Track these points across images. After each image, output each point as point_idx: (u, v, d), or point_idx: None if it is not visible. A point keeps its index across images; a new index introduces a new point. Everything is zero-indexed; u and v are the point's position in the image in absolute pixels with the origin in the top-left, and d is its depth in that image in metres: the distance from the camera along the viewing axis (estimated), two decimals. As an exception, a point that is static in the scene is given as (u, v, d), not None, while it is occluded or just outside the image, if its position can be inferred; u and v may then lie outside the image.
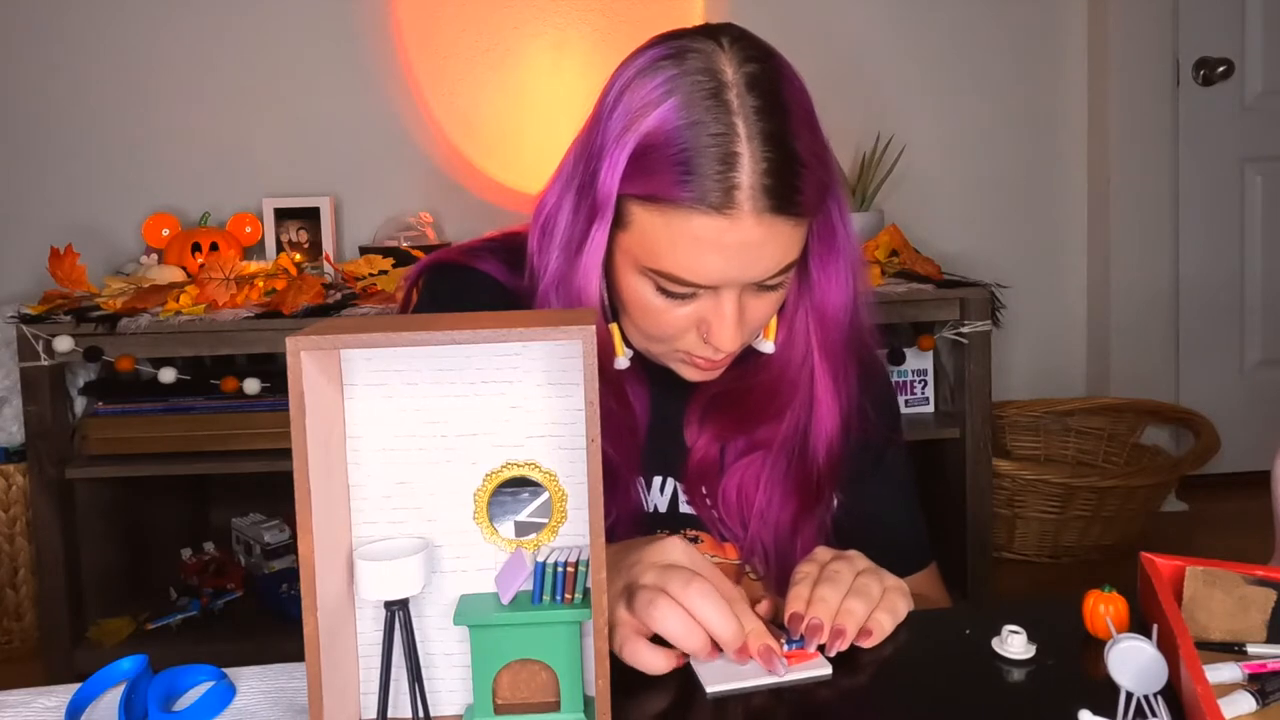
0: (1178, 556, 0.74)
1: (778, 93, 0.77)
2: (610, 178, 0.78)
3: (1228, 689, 0.63)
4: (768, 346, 0.89)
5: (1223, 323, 2.95)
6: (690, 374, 0.86)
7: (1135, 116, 2.79)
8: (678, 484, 0.92)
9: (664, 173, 0.75)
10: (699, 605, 0.68)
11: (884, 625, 0.74)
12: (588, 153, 0.81)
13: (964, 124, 2.79)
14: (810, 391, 0.90)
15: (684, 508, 0.91)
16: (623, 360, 0.87)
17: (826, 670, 0.70)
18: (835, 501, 0.95)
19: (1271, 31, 2.87)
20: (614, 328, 0.87)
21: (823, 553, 0.79)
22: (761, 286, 0.80)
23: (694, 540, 0.90)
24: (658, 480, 0.92)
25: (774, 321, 0.89)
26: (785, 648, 0.71)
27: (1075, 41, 2.84)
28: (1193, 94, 2.85)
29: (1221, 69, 2.83)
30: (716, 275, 0.78)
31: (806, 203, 0.77)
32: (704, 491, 0.91)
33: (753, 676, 0.69)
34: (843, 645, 0.71)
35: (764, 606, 0.76)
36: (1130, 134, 2.80)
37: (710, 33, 0.79)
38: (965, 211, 2.80)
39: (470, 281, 0.92)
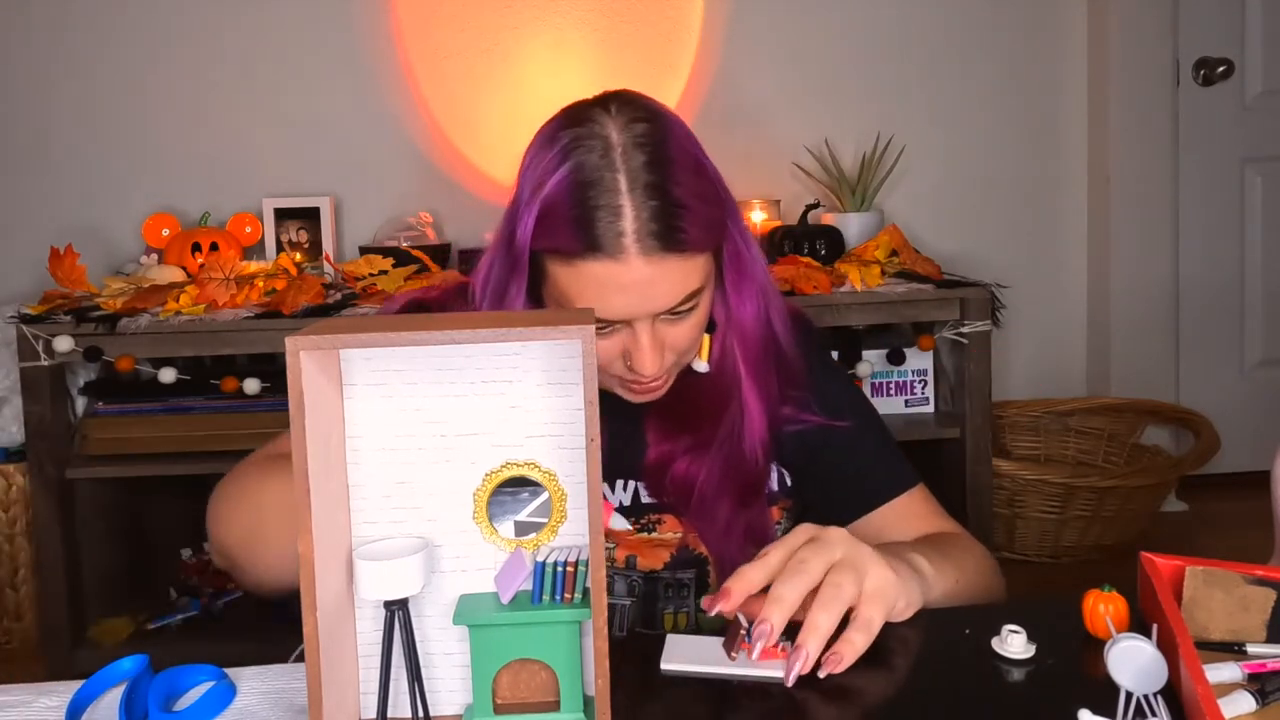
0: (1178, 556, 0.74)
1: (661, 147, 0.87)
2: (523, 237, 0.88)
3: (1228, 689, 0.63)
4: (702, 366, 1.00)
5: (1223, 323, 2.95)
6: (632, 398, 0.95)
7: (1135, 116, 2.79)
8: (638, 483, 1.01)
9: (563, 229, 0.86)
10: None
11: (855, 646, 0.69)
12: (509, 214, 0.93)
13: (964, 124, 2.79)
14: (740, 399, 0.99)
15: (645, 499, 1.01)
16: None
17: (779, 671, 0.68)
18: (788, 482, 1.05)
19: (1271, 31, 2.87)
20: None
21: (801, 531, 0.76)
22: (673, 314, 0.89)
23: (658, 521, 1.00)
24: (620, 483, 1.02)
25: (706, 341, 0.99)
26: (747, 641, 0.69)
27: (1075, 41, 2.84)
28: (1193, 94, 2.85)
29: (1221, 69, 2.83)
30: (622, 311, 0.87)
31: (691, 240, 0.86)
32: (664, 485, 1.00)
33: (712, 663, 0.69)
34: (803, 668, 0.67)
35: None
36: (1130, 134, 2.79)
37: (603, 101, 0.90)
38: (965, 211, 2.80)
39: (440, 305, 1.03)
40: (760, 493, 1.01)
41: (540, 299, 0.93)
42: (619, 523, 1.00)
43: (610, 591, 1.00)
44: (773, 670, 0.68)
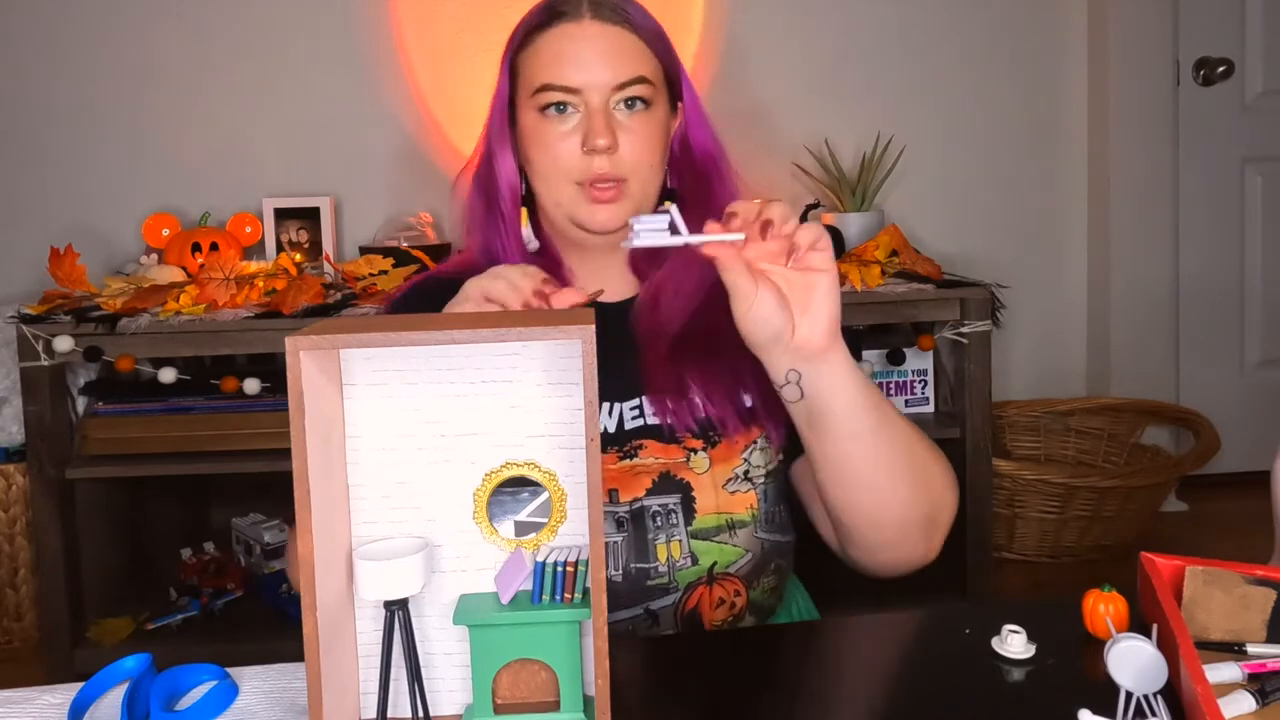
0: (1178, 556, 0.74)
1: None
2: (505, 53, 1.05)
3: (1227, 689, 0.63)
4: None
5: (1223, 323, 2.95)
6: (596, 214, 1.01)
7: (1135, 116, 2.79)
8: (622, 406, 1.03)
9: (534, 13, 1.03)
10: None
11: (807, 237, 0.81)
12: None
13: (964, 124, 2.79)
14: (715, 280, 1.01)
15: (630, 424, 1.02)
16: (527, 232, 1.07)
17: (739, 237, 0.79)
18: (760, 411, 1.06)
19: (1271, 31, 2.87)
20: (523, 211, 1.07)
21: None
22: (628, 104, 1.00)
23: (640, 447, 1.01)
24: (605, 407, 1.04)
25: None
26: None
27: (1075, 41, 2.84)
28: (1193, 94, 2.85)
29: (1221, 69, 2.83)
30: (580, 74, 0.99)
31: (636, 21, 1.02)
32: (667, 401, 1.02)
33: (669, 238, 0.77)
34: (769, 239, 0.80)
35: None
36: (1130, 134, 2.79)
37: None
38: (965, 211, 2.80)
39: (428, 287, 1.09)
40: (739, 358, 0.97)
41: (523, 174, 1.06)
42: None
43: None
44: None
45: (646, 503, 0.99)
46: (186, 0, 2.56)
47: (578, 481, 0.62)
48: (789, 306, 0.82)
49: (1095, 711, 0.61)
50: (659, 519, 1.00)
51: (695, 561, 0.98)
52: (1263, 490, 0.92)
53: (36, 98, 2.55)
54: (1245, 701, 0.62)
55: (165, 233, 2.41)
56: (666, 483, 1.00)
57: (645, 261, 1.07)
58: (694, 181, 1.09)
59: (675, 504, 1.00)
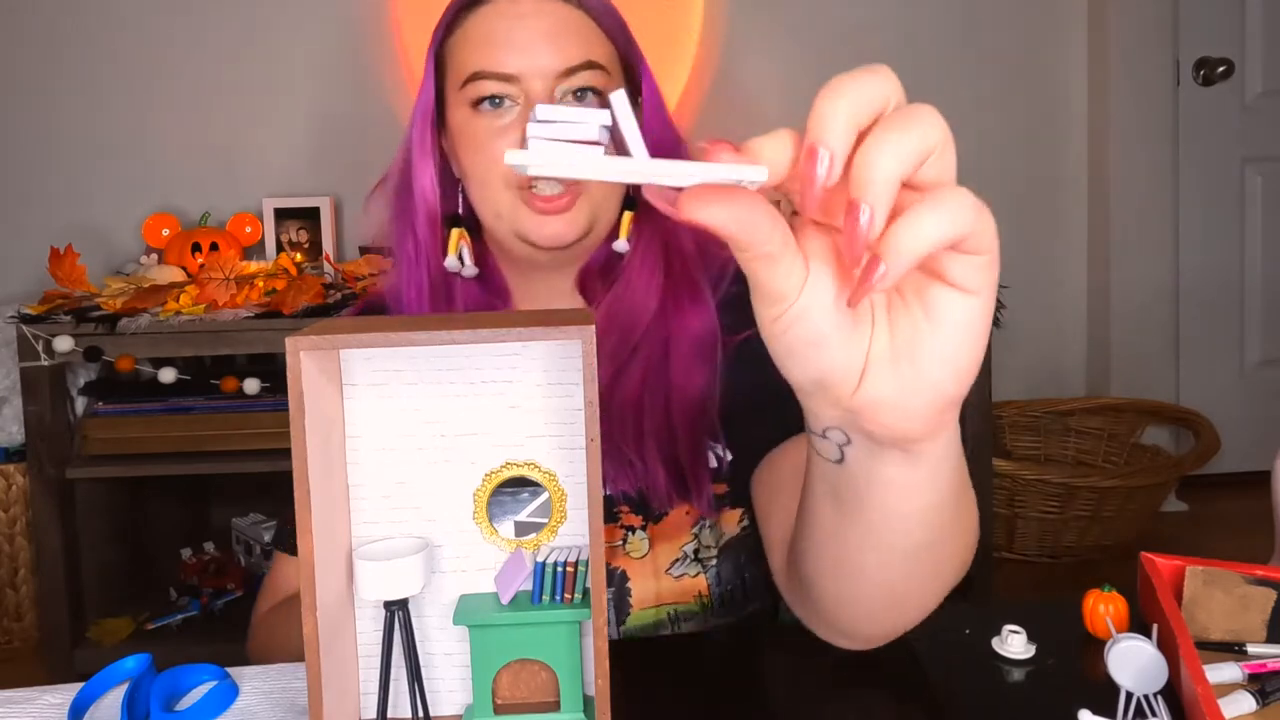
0: (1178, 556, 0.74)
1: None
2: (431, 43, 0.90)
3: (1228, 689, 0.63)
4: (621, 245, 0.89)
5: (1223, 323, 2.95)
6: (544, 227, 0.85)
7: (1135, 116, 2.79)
8: None
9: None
10: None
11: (925, 231, 0.38)
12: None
13: (963, 124, 2.77)
14: (674, 296, 0.88)
15: None
16: (453, 260, 0.89)
17: (762, 176, 0.38)
18: (727, 459, 0.86)
19: (1271, 31, 2.87)
20: (456, 232, 0.90)
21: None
22: (576, 95, 0.84)
23: None
24: None
25: (627, 220, 0.90)
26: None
27: (1075, 41, 2.84)
28: (1193, 94, 2.85)
29: (1221, 69, 2.83)
30: (514, 57, 0.83)
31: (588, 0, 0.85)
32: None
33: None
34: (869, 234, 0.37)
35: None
36: (1130, 134, 2.80)
37: None
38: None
39: (371, 310, 0.98)
40: (699, 413, 0.85)
41: (449, 176, 0.90)
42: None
43: None
44: (745, 173, 0.38)
45: None
46: (187, 1, 2.56)
47: (578, 482, 0.62)
48: (864, 331, 0.43)
49: (1095, 712, 0.61)
50: None
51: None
52: (1263, 490, 0.92)
53: (37, 98, 2.55)
54: (1245, 702, 0.62)
55: (165, 233, 2.41)
56: None
57: (598, 279, 0.90)
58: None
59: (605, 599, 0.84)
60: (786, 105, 2.69)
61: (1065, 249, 2.90)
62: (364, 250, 2.39)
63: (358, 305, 1.05)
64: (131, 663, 0.70)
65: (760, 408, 0.80)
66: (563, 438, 0.62)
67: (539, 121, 0.38)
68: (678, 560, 0.85)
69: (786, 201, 0.41)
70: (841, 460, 0.49)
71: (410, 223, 0.89)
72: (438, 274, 0.89)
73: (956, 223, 0.40)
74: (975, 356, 0.45)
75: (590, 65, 0.84)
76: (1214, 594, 0.71)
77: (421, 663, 0.60)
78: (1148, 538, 2.48)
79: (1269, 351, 2.97)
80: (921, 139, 0.39)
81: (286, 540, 0.92)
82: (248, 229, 2.43)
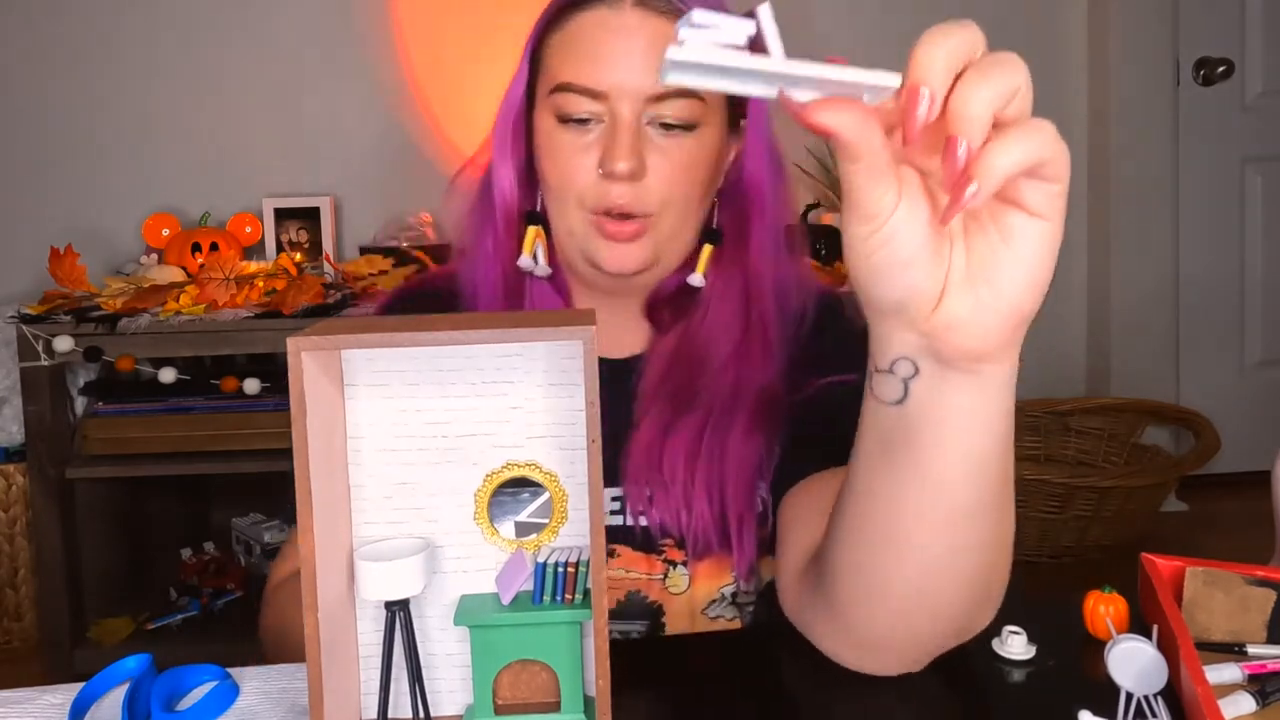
0: (1178, 557, 0.74)
1: None
2: (530, 36, 0.86)
3: (1228, 689, 0.63)
4: (697, 280, 0.87)
5: (1223, 323, 2.95)
6: (609, 254, 0.83)
7: (1135, 116, 2.79)
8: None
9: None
10: None
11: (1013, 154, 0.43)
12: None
13: (964, 124, 2.78)
14: (746, 343, 0.86)
15: (607, 519, 0.82)
16: (527, 260, 0.88)
17: (895, 82, 0.46)
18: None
19: (1271, 31, 2.87)
20: (533, 230, 0.88)
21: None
22: (666, 127, 0.80)
23: (611, 553, 0.83)
24: None
25: (707, 253, 0.87)
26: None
27: (1075, 42, 2.84)
28: (1193, 94, 2.85)
29: (1221, 69, 2.83)
30: (608, 74, 0.79)
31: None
32: (647, 489, 0.83)
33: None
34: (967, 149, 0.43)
35: None
36: (1130, 134, 2.80)
37: None
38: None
39: (415, 294, 0.97)
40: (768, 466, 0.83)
41: (533, 174, 0.87)
42: None
43: None
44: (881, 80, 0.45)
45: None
46: (187, 1, 2.56)
47: (579, 482, 0.62)
48: (945, 254, 0.49)
49: (1095, 712, 0.61)
50: (612, 648, 0.77)
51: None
52: (1263, 490, 0.92)
53: (37, 98, 2.55)
54: (1245, 702, 0.62)
55: (165, 233, 2.41)
56: (633, 604, 0.83)
57: (668, 309, 0.88)
58: (733, 219, 0.88)
59: (639, 633, 0.83)
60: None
61: (1065, 249, 2.80)
62: (364, 250, 2.39)
63: (396, 291, 1.02)
64: (132, 663, 0.70)
65: (808, 444, 0.80)
66: (564, 439, 0.62)
67: (694, 26, 0.41)
68: (715, 601, 0.84)
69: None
70: (904, 399, 0.53)
71: (490, 218, 0.88)
72: (512, 272, 0.88)
73: (1041, 149, 0.44)
74: (1047, 276, 0.52)
75: (684, 94, 0.80)
76: (1214, 595, 0.71)
77: (422, 663, 0.60)
78: (1148, 538, 2.48)
79: (1269, 351, 2.97)
80: (1008, 82, 0.45)
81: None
82: (248, 229, 2.43)
